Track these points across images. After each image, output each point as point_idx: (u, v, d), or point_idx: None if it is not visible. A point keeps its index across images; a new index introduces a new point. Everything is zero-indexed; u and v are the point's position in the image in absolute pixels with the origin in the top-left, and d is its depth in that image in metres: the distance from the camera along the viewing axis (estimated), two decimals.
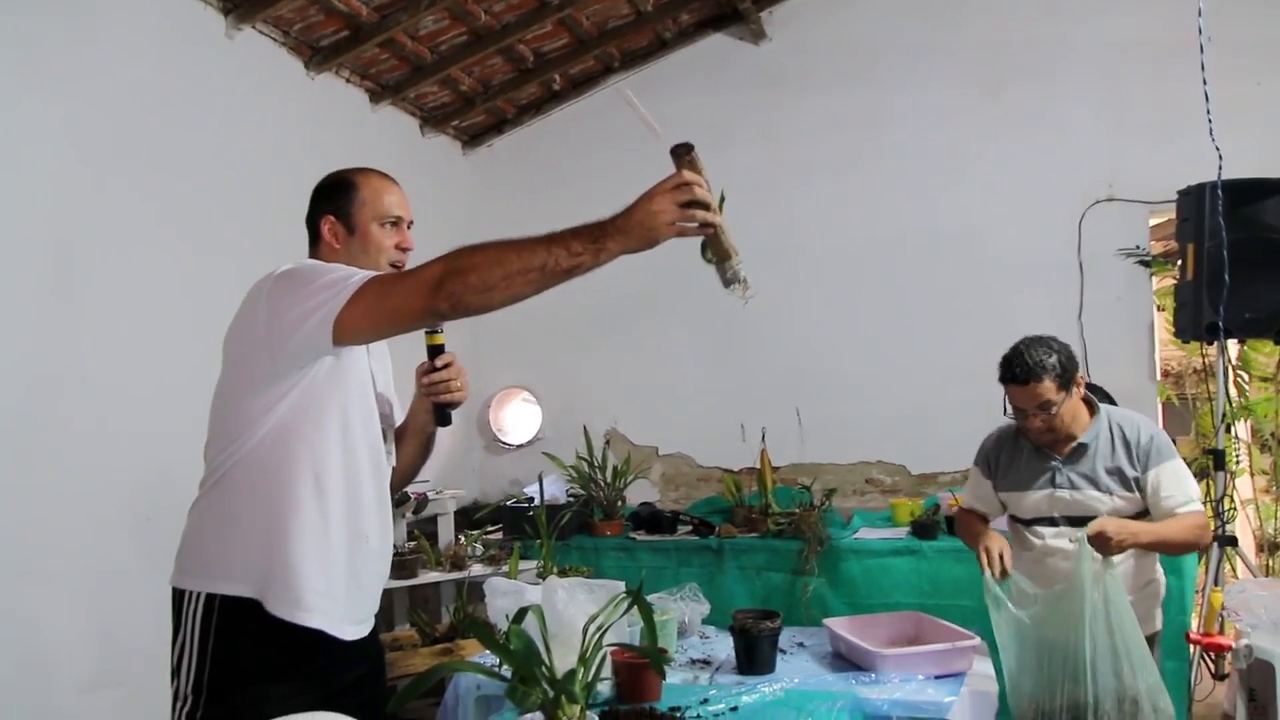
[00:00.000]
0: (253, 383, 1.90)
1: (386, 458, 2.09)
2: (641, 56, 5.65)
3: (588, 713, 1.92)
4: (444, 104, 5.34)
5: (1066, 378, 2.77)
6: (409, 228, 2.16)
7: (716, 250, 1.78)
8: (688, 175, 1.70)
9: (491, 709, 2.66)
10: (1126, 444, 2.83)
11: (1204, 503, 3.03)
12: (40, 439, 3.02)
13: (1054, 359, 2.75)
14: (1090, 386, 3.10)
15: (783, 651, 2.79)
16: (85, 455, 3.14)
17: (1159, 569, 2.98)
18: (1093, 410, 2.90)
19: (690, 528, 4.84)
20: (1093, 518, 2.73)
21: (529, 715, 1.89)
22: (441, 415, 2.18)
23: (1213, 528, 3.62)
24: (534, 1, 4.67)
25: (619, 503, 5.00)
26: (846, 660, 2.75)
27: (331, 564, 1.92)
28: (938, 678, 2.53)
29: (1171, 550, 2.89)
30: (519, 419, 5.91)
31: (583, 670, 1.96)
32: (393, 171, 2.21)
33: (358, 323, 1.78)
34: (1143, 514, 2.82)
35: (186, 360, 3.00)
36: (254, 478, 1.90)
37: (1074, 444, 2.85)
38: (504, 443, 5.88)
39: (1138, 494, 2.81)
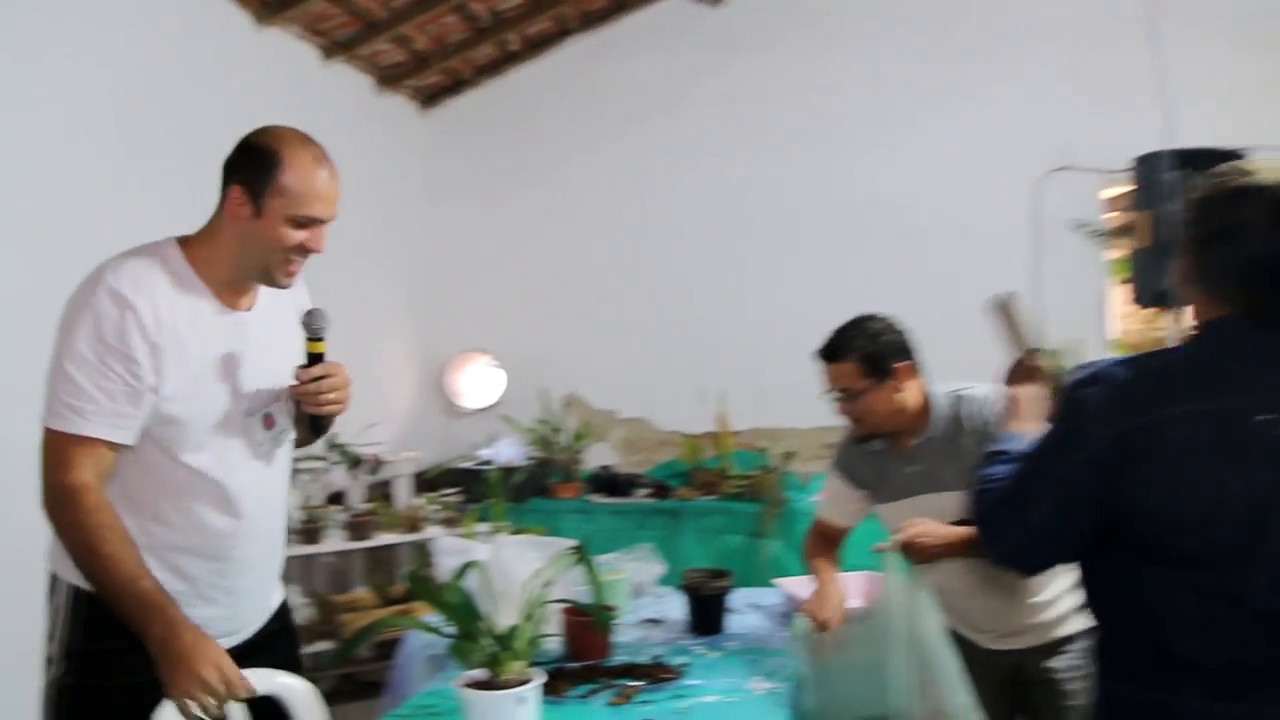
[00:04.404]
0: None
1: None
2: (599, 18, 5.59)
3: (533, 669, 1.90)
4: (399, 63, 5.25)
5: (873, 365, 2.38)
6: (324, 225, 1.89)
7: None
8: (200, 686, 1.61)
9: (442, 668, 2.64)
10: (961, 423, 2.37)
11: None
12: None
13: (863, 342, 2.39)
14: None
15: (733, 612, 2.78)
16: None
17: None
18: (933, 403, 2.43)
19: (648, 491, 4.84)
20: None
21: (474, 671, 1.88)
22: (313, 425, 2.01)
23: None
24: None
25: (577, 466, 4.99)
26: None
27: None
28: None
29: None
30: (480, 383, 5.86)
31: (526, 625, 1.94)
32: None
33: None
34: None
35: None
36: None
37: (914, 442, 2.44)
38: (462, 406, 5.84)
39: None
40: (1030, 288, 4.99)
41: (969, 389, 2.43)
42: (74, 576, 1.79)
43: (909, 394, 2.40)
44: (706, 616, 2.66)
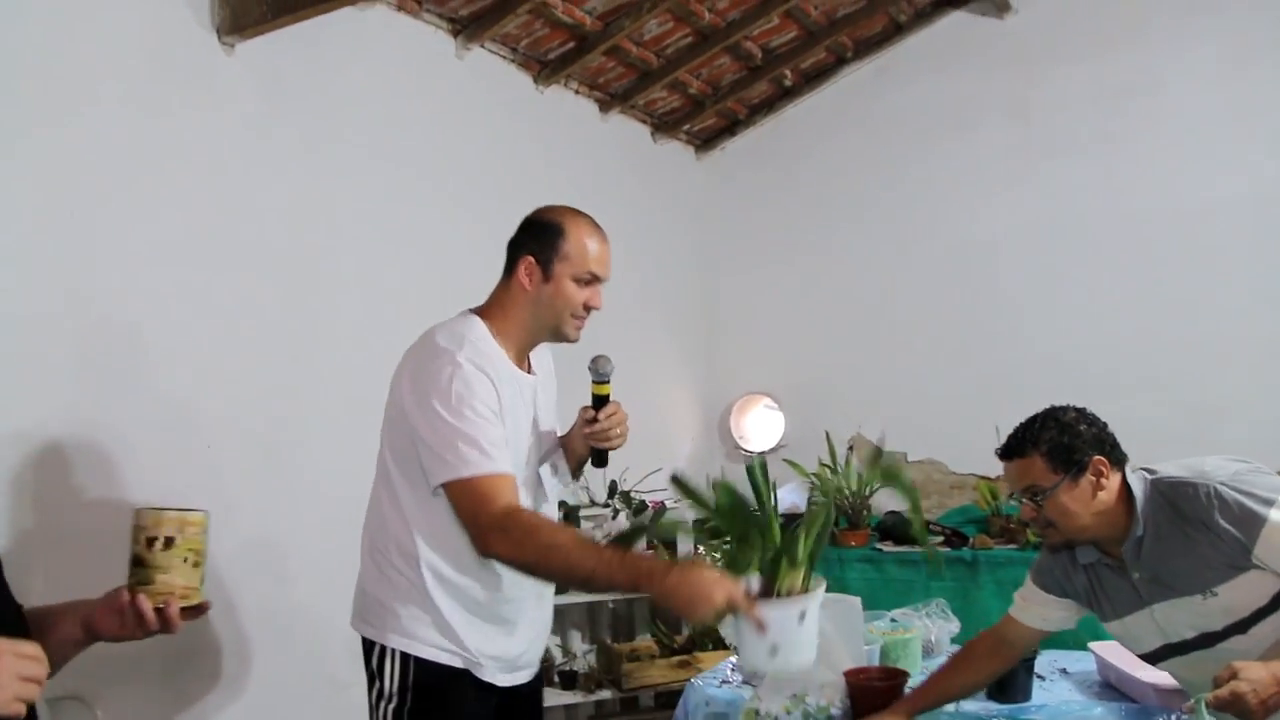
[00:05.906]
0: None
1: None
2: (876, 44, 5.41)
3: (816, 577, 1.79)
4: (674, 109, 5.30)
5: (1064, 457, 2.07)
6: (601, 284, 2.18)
7: None
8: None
9: None
10: (1179, 512, 2.01)
11: None
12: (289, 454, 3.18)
13: (1052, 433, 2.10)
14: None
15: (1040, 678, 2.53)
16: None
17: None
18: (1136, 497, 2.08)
19: (941, 538, 4.57)
20: (1206, 637, 2.03)
21: (746, 578, 1.76)
22: (599, 458, 2.28)
23: None
24: None
25: (864, 512, 4.78)
26: (1115, 690, 2.46)
27: None
28: None
29: None
30: (761, 426, 5.76)
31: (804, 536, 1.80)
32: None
33: (448, 498, 1.94)
34: None
35: None
36: None
37: (1124, 546, 2.08)
38: (745, 450, 5.76)
39: (1264, 570, 1.94)
40: None
41: (1173, 470, 2.07)
42: (393, 640, 2.06)
43: (1110, 492, 2.07)
44: (1009, 682, 2.42)
